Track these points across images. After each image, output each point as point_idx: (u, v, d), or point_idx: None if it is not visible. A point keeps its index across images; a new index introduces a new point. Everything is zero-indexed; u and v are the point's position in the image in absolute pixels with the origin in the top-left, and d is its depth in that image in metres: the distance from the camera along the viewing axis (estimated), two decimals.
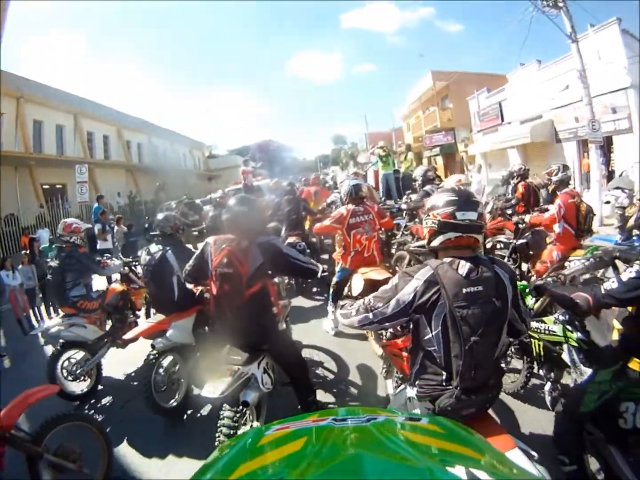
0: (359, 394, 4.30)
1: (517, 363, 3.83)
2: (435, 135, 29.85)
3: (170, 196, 27.87)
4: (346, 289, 5.22)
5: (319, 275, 3.67)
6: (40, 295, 8.87)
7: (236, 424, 2.92)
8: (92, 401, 4.56)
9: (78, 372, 4.75)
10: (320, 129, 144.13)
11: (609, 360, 2.44)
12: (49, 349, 5.20)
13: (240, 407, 3.00)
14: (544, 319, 3.25)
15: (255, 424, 3.16)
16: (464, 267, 2.01)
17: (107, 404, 4.69)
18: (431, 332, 2.02)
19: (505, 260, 5.98)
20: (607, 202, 10.55)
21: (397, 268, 6.59)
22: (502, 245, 6.59)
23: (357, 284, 4.79)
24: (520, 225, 6.06)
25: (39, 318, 8.61)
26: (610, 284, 2.29)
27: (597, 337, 2.84)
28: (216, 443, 2.80)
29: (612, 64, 12.86)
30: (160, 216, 4.89)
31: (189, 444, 3.64)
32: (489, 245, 6.71)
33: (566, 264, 4.99)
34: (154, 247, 4.71)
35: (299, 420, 1.29)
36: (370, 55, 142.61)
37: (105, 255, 6.85)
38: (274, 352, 3.35)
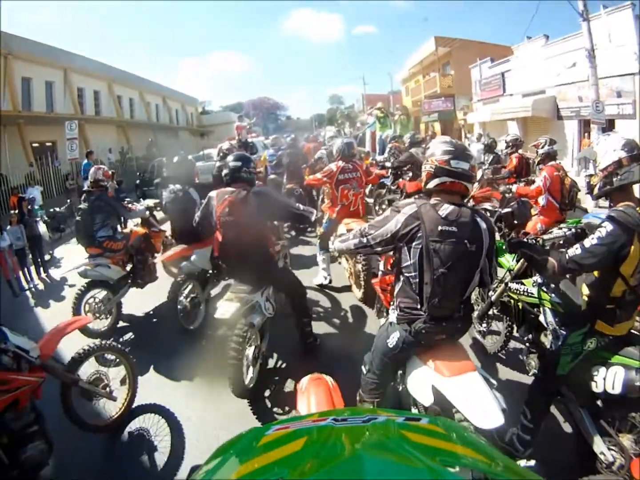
0: (351, 327, 5.05)
1: (498, 326, 4.09)
2: (434, 100, 29.60)
3: (163, 152, 27.39)
4: (332, 238, 5.60)
5: (312, 218, 4.17)
6: (30, 256, 8.73)
7: (243, 342, 3.45)
8: (112, 338, 4.72)
9: (102, 309, 5.14)
10: (317, 88, 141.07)
11: (578, 323, 2.61)
12: (41, 310, 5.97)
13: (247, 328, 3.50)
14: (524, 280, 3.33)
15: (259, 343, 3.79)
16: (445, 209, 2.32)
17: (128, 340, 5.12)
18: (410, 260, 2.35)
19: None
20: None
21: None
22: (488, 214, 6.45)
23: (340, 233, 5.07)
24: (507, 195, 6.27)
25: (29, 279, 8.38)
26: (574, 250, 2.41)
27: (572, 300, 2.88)
28: (228, 360, 3.37)
29: (622, 47, 13.09)
30: (175, 159, 5.70)
31: (206, 365, 4.06)
32: None
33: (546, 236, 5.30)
34: (177, 187, 5.51)
35: (299, 420, 1.32)
36: (371, 17, 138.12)
37: (127, 199, 7.13)
38: (274, 281, 4.02)
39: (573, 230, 3.21)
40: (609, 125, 12.60)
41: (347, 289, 5.87)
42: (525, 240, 3.05)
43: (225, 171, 3.93)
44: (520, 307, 3.44)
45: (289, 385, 3.90)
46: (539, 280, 3.08)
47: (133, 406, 3.69)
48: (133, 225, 6.37)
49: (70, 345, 3.51)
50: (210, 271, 5.31)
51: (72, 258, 7.74)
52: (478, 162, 9.12)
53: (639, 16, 12.72)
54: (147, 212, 6.14)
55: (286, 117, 71.49)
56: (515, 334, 3.81)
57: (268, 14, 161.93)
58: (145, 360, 4.37)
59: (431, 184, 2.45)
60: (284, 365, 4.30)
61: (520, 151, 7.79)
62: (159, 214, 7.01)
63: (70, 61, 23.19)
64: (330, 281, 6.02)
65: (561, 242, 3.22)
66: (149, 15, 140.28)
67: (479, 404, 2.14)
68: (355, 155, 6.02)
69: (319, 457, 0.90)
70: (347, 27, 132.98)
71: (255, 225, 3.74)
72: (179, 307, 5.00)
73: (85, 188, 5.92)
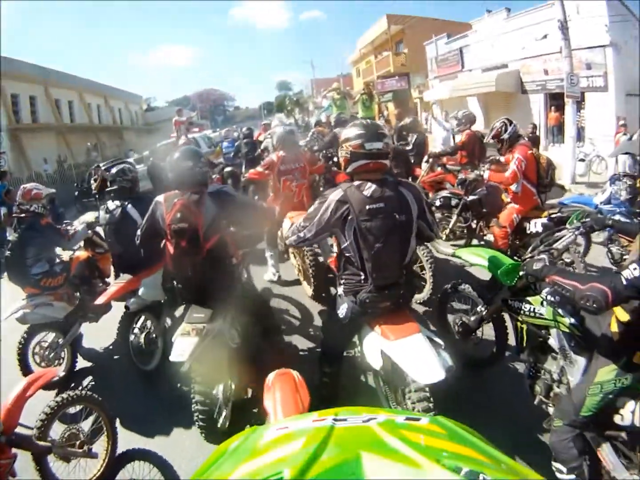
0: (307, 320, 4.92)
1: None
2: (387, 80, 29.52)
3: (107, 156, 26.21)
4: (279, 233, 5.45)
5: (275, 217, 4.02)
6: None
7: (209, 387, 3.01)
8: (72, 385, 4.28)
9: (52, 356, 4.44)
10: (265, 76, 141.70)
11: (609, 354, 2.24)
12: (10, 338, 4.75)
13: (210, 368, 3.01)
14: (529, 298, 2.80)
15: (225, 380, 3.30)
16: (369, 189, 2.50)
17: (91, 384, 4.50)
18: (346, 241, 2.54)
19: (455, 218, 5.90)
20: (582, 160, 10.13)
21: None
22: (447, 202, 6.00)
23: (285, 227, 4.78)
24: (477, 180, 5.73)
25: None
26: (632, 271, 1.91)
27: (591, 322, 2.48)
28: (193, 409, 2.92)
29: (591, 19, 12.75)
30: (114, 170, 4.78)
31: (177, 409, 3.59)
32: (437, 203, 6.07)
33: (526, 224, 4.91)
34: (112, 204, 4.61)
35: (299, 420, 1.30)
36: (318, 1, 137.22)
37: (65, 222, 5.93)
38: (238, 301, 3.43)
39: (582, 229, 2.90)
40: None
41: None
42: (544, 258, 2.57)
43: (170, 173, 3.32)
44: (525, 329, 2.91)
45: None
46: (551, 299, 2.52)
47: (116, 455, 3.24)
48: (76, 248, 5.32)
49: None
50: (164, 299, 4.64)
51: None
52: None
53: None
54: (90, 231, 5.21)
55: (234, 108, 71.10)
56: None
57: (213, 2, 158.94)
58: (117, 403, 3.73)
59: (350, 168, 2.64)
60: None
61: (472, 128, 7.20)
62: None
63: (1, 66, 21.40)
64: (280, 277, 5.92)
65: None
66: (87, 10, 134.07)
67: (420, 361, 2.34)
68: (298, 144, 5.88)
69: (319, 457, 0.89)
70: (294, 13, 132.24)
71: (213, 233, 3.14)
72: (131, 346, 4.33)
73: (14, 214, 4.94)
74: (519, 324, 2.94)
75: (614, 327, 2.21)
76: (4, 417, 2.51)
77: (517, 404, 3.09)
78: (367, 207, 2.45)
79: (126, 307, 4.26)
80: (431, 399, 2.45)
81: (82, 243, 5.24)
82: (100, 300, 4.37)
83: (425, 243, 4.53)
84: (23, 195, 4.56)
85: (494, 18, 18.38)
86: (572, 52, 11.48)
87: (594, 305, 1.96)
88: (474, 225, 5.97)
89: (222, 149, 11.99)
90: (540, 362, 2.85)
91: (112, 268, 5.35)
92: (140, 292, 4.33)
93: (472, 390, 3.39)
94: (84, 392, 3.20)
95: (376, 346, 2.58)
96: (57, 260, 4.78)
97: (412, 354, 2.38)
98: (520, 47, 15.95)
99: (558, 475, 2.39)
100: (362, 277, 2.58)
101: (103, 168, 13.95)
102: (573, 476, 2.34)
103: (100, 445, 3.13)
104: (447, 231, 6.12)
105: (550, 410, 2.70)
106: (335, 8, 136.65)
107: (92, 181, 12.25)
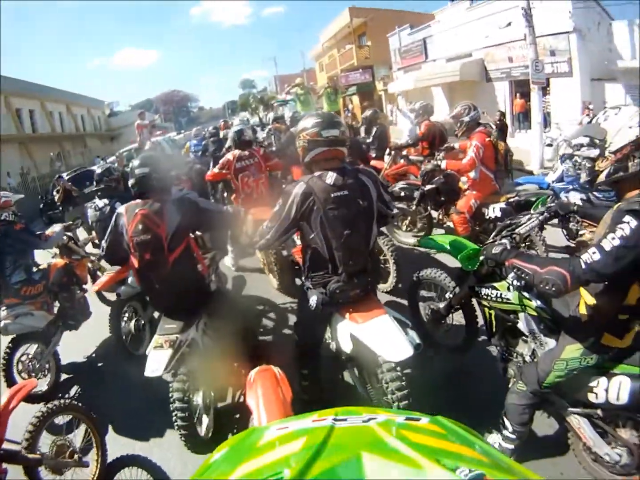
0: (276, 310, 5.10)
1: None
2: (351, 73, 29.46)
3: (71, 165, 25.57)
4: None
5: (242, 217, 3.86)
6: None
7: (186, 391, 2.91)
8: (59, 395, 4.26)
9: (37, 367, 4.37)
10: (228, 75, 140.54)
11: (578, 335, 2.28)
12: None
13: (187, 378, 2.95)
14: (495, 284, 2.80)
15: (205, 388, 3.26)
16: (331, 177, 2.51)
17: (77, 394, 4.45)
18: (313, 233, 2.55)
19: (414, 208, 5.88)
20: (549, 145, 10.38)
21: None
22: (407, 193, 6.00)
23: (248, 224, 4.74)
24: (427, 169, 5.68)
25: None
26: (590, 255, 1.94)
27: (558, 305, 2.54)
28: (174, 420, 2.83)
29: (555, 5, 12.80)
30: (98, 170, 5.04)
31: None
32: (396, 194, 6.05)
33: (484, 210, 4.98)
34: (100, 202, 4.96)
35: (299, 420, 1.28)
36: None
37: (38, 232, 5.65)
38: (209, 309, 3.36)
39: (547, 214, 2.87)
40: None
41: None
42: (505, 243, 2.55)
43: (131, 181, 3.20)
44: (493, 314, 2.92)
45: None
46: (516, 283, 2.55)
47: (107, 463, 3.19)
48: (50, 257, 5.27)
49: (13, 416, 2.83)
50: None
51: None
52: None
53: None
54: (64, 237, 5.16)
55: (198, 108, 70.55)
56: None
57: (173, 2, 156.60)
58: (106, 410, 3.78)
59: (308, 157, 2.65)
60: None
61: (431, 118, 7.28)
62: (82, 234, 6.35)
63: None
64: (237, 269, 6.33)
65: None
66: (47, 16, 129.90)
67: (388, 340, 2.45)
68: (250, 142, 6.00)
69: (319, 457, 0.89)
70: (256, 9, 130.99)
71: (178, 242, 3.08)
72: (123, 333, 4.59)
73: None
74: (486, 309, 2.96)
75: (582, 310, 2.25)
76: None
77: (493, 388, 3.06)
78: (332, 195, 2.50)
79: (117, 294, 4.50)
80: (403, 377, 2.51)
81: (57, 250, 5.18)
82: (94, 287, 4.64)
83: (387, 234, 4.85)
84: None
85: (456, 8, 18.32)
86: (536, 39, 11.68)
87: (553, 288, 1.99)
88: (434, 215, 6.05)
89: (191, 147, 12.07)
90: (512, 346, 2.88)
91: (88, 275, 5.47)
92: (129, 280, 4.43)
93: (447, 377, 3.48)
94: (67, 401, 3.17)
95: (346, 331, 2.67)
96: (35, 269, 4.69)
97: (380, 334, 2.49)
98: (484, 35, 15.98)
99: (503, 431, 2.56)
100: (331, 267, 2.62)
101: (66, 178, 13.72)
102: (515, 437, 2.51)
103: (90, 454, 3.12)
104: (407, 222, 6.25)
105: None
106: (297, 2, 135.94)
107: (54, 192, 12.21)
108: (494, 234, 2.89)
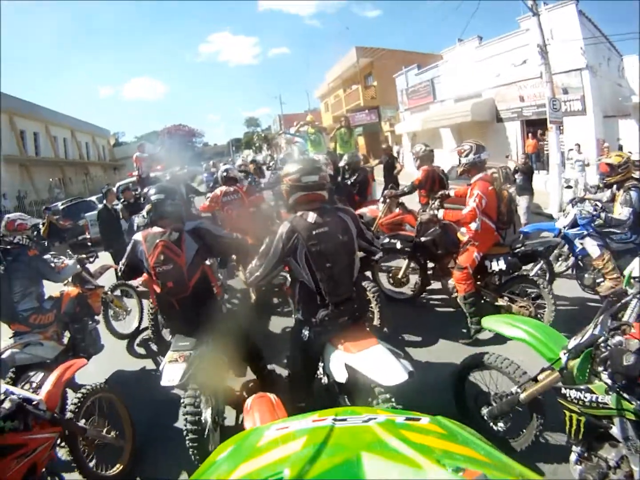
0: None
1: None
2: (357, 114, 29.58)
3: (71, 192, 25.30)
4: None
5: (247, 247, 4.02)
6: None
7: (198, 407, 3.04)
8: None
9: None
10: (234, 113, 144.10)
11: None
12: None
13: (199, 392, 3.10)
14: (591, 386, 2.23)
15: (215, 403, 3.35)
16: (312, 217, 2.78)
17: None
18: (299, 267, 2.80)
19: (406, 263, 5.62)
20: (569, 187, 9.98)
21: None
22: (401, 245, 5.48)
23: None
24: (423, 220, 5.25)
25: None
26: None
27: None
28: (185, 433, 2.94)
29: (566, 43, 12.76)
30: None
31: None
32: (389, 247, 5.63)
33: (487, 262, 4.64)
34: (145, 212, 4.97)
35: (299, 420, 1.31)
36: (286, 38, 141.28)
37: (51, 253, 5.78)
38: (219, 330, 3.44)
39: None
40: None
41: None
42: None
43: (147, 207, 3.60)
44: (583, 421, 2.33)
45: None
46: (616, 383, 2.07)
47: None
48: (63, 284, 5.16)
49: None
50: None
51: None
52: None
53: (582, 12, 12.88)
54: (78, 267, 5.11)
55: (203, 144, 71.12)
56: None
57: (184, 39, 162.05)
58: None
59: (291, 200, 2.94)
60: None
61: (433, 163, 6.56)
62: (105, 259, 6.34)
63: None
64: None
65: None
66: (55, 41, 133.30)
67: (383, 367, 2.54)
68: (236, 179, 6.93)
69: (319, 457, 0.91)
70: (262, 49, 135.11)
71: (195, 269, 3.37)
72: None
73: None
74: (575, 415, 2.35)
75: None
76: (45, 398, 2.68)
77: None
78: (314, 232, 2.74)
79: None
80: (392, 399, 2.56)
81: (70, 278, 5.08)
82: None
83: (377, 285, 5.09)
84: (6, 226, 4.50)
85: (465, 47, 18.48)
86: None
87: None
88: (429, 269, 5.59)
89: (204, 179, 14.28)
90: (594, 449, 2.34)
91: (101, 306, 5.36)
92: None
93: (446, 378, 3.42)
94: (105, 385, 3.49)
95: (340, 361, 2.74)
96: (46, 296, 4.58)
97: (375, 362, 2.60)
98: (495, 74, 16.01)
99: None
100: (319, 298, 2.81)
101: (60, 208, 13.35)
102: None
103: (124, 436, 3.44)
104: (399, 276, 5.75)
105: None
106: (303, 43, 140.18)
107: (40, 225, 11.80)
108: (592, 323, 2.34)
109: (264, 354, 3.91)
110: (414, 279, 5.71)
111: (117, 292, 6.03)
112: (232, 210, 6.37)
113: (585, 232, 5.14)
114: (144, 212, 5.59)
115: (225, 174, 6.84)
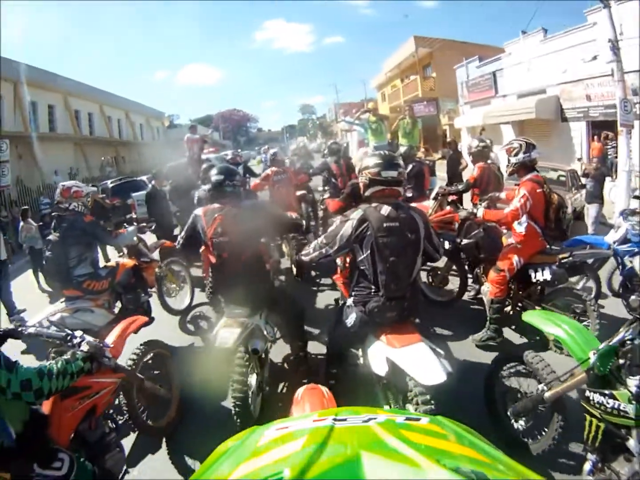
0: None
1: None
2: (415, 105, 28.31)
3: (123, 171, 25.84)
4: None
5: (303, 227, 4.73)
6: None
7: (245, 372, 3.27)
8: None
9: None
10: (288, 99, 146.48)
11: None
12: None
13: (248, 356, 3.34)
14: (615, 392, 2.19)
15: (260, 370, 3.62)
16: (386, 210, 2.85)
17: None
18: (363, 255, 2.88)
19: (445, 264, 5.45)
20: (636, 197, 9.08)
21: None
22: (447, 244, 5.25)
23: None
24: (467, 221, 5.12)
25: None
26: None
27: None
28: (230, 390, 3.20)
29: (635, 40, 11.66)
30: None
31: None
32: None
33: (531, 271, 4.40)
34: (207, 186, 5.69)
35: (299, 420, 1.33)
36: (340, 27, 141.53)
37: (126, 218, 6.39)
38: (271, 302, 3.84)
39: None
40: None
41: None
42: None
43: (208, 186, 4.08)
44: (602, 428, 2.29)
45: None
46: (637, 390, 2.06)
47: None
48: (118, 256, 5.47)
49: None
50: None
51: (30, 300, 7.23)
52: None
53: None
54: (135, 238, 5.28)
55: (257, 130, 71.96)
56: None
57: (239, 26, 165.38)
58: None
59: (368, 192, 3.03)
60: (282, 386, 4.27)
61: (489, 160, 6.42)
62: (150, 238, 6.48)
63: (19, 73, 21.27)
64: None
65: None
66: (115, 25, 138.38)
67: (423, 366, 2.59)
68: (283, 161, 8.56)
69: (319, 457, 0.91)
70: (317, 37, 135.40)
71: (251, 244, 3.69)
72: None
73: (54, 213, 4.89)
74: (595, 420, 2.32)
75: None
76: (111, 348, 2.76)
77: None
78: (385, 224, 2.81)
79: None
80: (432, 401, 2.58)
81: (126, 250, 5.31)
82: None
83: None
84: (61, 193, 4.55)
85: (529, 40, 17.51)
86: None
87: None
88: (469, 273, 5.35)
89: (262, 159, 18.25)
90: (609, 461, 2.30)
91: (155, 280, 5.50)
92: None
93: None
94: (164, 342, 3.86)
95: (382, 354, 2.82)
96: (102, 265, 4.80)
97: (416, 359, 2.64)
98: (560, 70, 15.13)
99: None
100: (374, 289, 2.92)
101: (110, 186, 13.59)
102: None
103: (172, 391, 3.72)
104: (438, 278, 5.59)
105: None
106: (358, 32, 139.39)
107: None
108: (624, 326, 2.30)
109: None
110: (456, 280, 5.49)
111: (172, 267, 6.16)
112: (282, 188, 7.46)
113: (637, 250, 4.89)
114: (204, 187, 6.45)
115: (273, 156, 8.45)
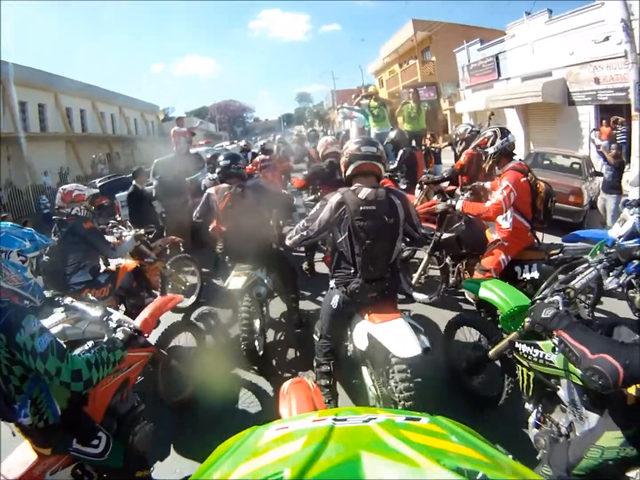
0: None
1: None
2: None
3: (117, 168, 25.73)
4: None
5: (294, 201, 5.65)
6: None
7: (252, 313, 4.15)
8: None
9: None
10: (285, 88, 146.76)
11: (620, 419, 1.98)
12: None
13: (252, 300, 4.19)
14: (539, 343, 2.45)
15: (262, 316, 4.48)
16: (364, 193, 2.95)
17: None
18: (341, 237, 2.99)
19: (425, 259, 5.18)
20: None
21: None
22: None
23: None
24: (438, 211, 4.82)
25: None
26: None
27: None
28: (240, 334, 4.05)
29: None
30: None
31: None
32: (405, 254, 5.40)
33: (517, 268, 4.21)
34: (213, 175, 6.96)
35: (299, 420, 1.34)
36: (337, 14, 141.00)
37: (110, 222, 5.85)
38: (270, 261, 4.63)
39: (606, 262, 2.47)
40: (627, 113, 11.50)
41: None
42: (558, 307, 2.15)
43: (217, 170, 4.64)
44: (532, 376, 2.56)
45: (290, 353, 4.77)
46: (563, 347, 2.14)
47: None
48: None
49: None
50: None
51: None
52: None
53: None
54: (137, 242, 5.20)
55: (254, 119, 72.00)
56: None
57: (234, 15, 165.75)
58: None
59: (349, 170, 3.13)
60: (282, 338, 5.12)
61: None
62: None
63: (7, 73, 21.07)
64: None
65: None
66: (106, 19, 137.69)
67: (400, 339, 2.75)
68: (271, 150, 10.09)
69: (319, 457, 0.92)
70: (313, 26, 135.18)
71: (254, 215, 4.31)
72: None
73: (55, 217, 4.76)
74: (524, 370, 2.63)
75: (632, 390, 1.95)
76: (142, 325, 2.92)
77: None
78: (361, 208, 2.90)
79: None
80: (413, 379, 2.76)
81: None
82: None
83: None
84: (62, 197, 4.50)
85: (534, 21, 16.91)
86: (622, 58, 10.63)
87: (600, 382, 1.72)
88: (450, 269, 5.06)
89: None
90: (548, 412, 2.58)
91: (159, 279, 5.52)
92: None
93: (447, 377, 3.82)
94: (197, 323, 4.48)
95: (363, 330, 2.99)
96: (102, 269, 4.74)
97: (393, 333, 2.79)
98: (566, 52, 14.76)
99: None
100: (352, 270, 3.04)
101: (98, 185, 13.11)
102: None
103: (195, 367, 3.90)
104: (416, 276, 5.29)
105: None
106: (355, 18, 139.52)
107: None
108: (543, 285, 2.50)
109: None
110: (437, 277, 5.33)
111: (179, 264, 6.19)
112: (267, 172, 8.87)
113: None
114: (209, 175, 7.67)
115: (263, 146, 10.03)
